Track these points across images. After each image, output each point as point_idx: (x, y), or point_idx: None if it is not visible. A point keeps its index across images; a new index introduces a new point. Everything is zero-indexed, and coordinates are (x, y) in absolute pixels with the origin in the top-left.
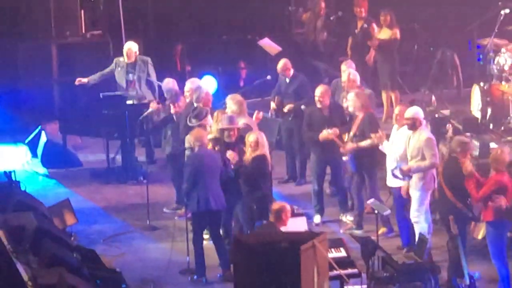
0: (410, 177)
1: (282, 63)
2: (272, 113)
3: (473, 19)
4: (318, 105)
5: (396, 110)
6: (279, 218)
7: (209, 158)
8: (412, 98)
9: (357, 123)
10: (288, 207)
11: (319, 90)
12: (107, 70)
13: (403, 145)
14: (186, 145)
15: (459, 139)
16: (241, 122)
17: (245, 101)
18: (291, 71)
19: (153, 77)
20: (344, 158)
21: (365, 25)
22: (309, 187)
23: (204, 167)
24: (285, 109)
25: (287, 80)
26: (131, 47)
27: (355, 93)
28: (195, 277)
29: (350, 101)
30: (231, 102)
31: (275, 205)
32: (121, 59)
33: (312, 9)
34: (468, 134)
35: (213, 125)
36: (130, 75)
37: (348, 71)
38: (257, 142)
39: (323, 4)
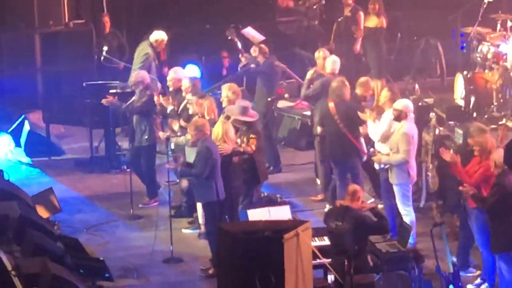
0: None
1: None
2: None
3: (457, 7)
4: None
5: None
6: (356, 198)
7: (215, 146)
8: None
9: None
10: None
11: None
12: None
13: (384, 127)
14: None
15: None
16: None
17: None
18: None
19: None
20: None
21: (349, 13)
22: (290, 175)
23: (217, 156)
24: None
25: None
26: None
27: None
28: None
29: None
30: (229, 92)
31: (351, 187)
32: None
33: None
34: (451, 122)
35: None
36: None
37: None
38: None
39: None
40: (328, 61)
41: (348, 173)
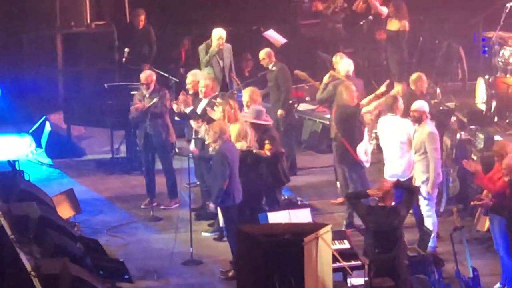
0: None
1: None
2: None
3: (479, 11)
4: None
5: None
6: (389, 196)
7: (235, 150)
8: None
9: None
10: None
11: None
12: None
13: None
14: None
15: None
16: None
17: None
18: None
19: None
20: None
21: (370, 17)
22: (310, 178)
23: (234, 160)
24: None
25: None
26: (221, 35)
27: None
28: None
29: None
30: (246, 94)
31: (386, 185)
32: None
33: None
34: (472, 127)
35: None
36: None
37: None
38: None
39: None
40: (341, 64)
41: (358, 176)
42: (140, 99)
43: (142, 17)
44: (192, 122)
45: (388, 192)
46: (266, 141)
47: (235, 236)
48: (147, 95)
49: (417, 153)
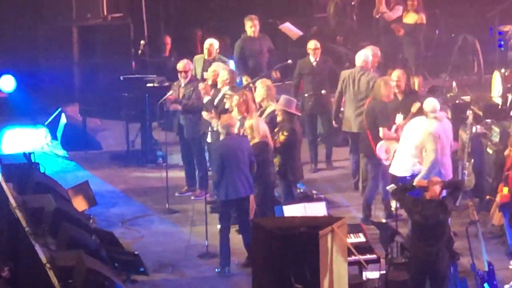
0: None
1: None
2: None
3: (495, 5)
4: (396, 90)
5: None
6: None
7: (235, 145)
8: (432, 85)
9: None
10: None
11: (396, 74)
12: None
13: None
14: (214, 128)
15: None
16: (269, 108)
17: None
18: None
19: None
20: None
21: (392, 7)
22: (326, 171)
23: (231, 156)
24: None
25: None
26: (212, 43)
27: None
28: (216, 270)
29: None
30: (260, 86)
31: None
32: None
33: None
34: (488, 120)
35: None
36: (204, 73)
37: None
38: (252, 128)
39: None
40: (357, 56)
41: (373, 170)
42: (175, 89)
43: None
44: (205, 113)
45: (436, 184)
46: (285, 132)
47: (223, 232)
48: (182, 85)
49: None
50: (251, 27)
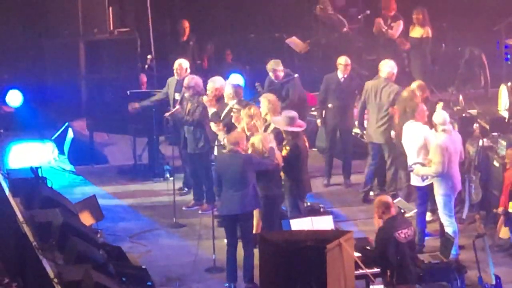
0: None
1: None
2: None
3: (501, 18)
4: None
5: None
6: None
7: (234, 162)
8: (438, 98)
9: None
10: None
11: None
12: (159, 95)
13: (418, 140)
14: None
15: None
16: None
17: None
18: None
19: None
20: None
21: (392, 24)
22: (335, 187)
23: (227, 171)
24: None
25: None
26: (181, 63)
27: None
28: (225, 284)
29: None
30: (265, 101)
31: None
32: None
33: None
34: (495, 134)
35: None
36: (177, 94)
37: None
38: (253, 145)
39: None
40: (382, 67)
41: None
42: (183, 103)
43: (187, 24)
44: (213, 125)
45: None
46: (287, 147)
47: (227, 247)
48: (188, 99)
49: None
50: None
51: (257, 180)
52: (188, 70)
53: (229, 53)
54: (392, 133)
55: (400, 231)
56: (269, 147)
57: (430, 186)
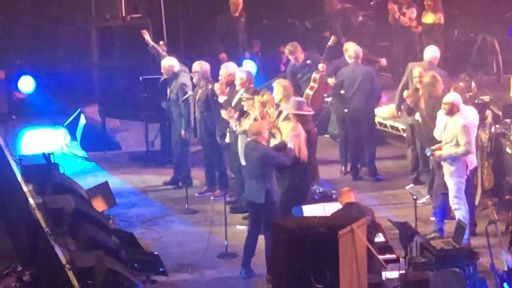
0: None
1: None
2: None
3: None
4: (418, 85)
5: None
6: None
7: (253, 153)
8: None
9: None
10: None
11: (417, 70)
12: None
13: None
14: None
15: None
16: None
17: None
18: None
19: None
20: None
21: (404, 10)
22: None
23: (248, 161)
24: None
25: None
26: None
27: None
28: (242, 272)
29: None
30: (277, 87)
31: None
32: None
33: None
34: (507, 120)
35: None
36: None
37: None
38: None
39: None
40: (426, 50)
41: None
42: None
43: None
44: (223, 112)
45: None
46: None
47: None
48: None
49: (448, 145)
50: None
51: (280, 172)
52: (176, 69)
53: (257, 44)
54: (417, 116)
55: None
56: (289, 137)
57: None
